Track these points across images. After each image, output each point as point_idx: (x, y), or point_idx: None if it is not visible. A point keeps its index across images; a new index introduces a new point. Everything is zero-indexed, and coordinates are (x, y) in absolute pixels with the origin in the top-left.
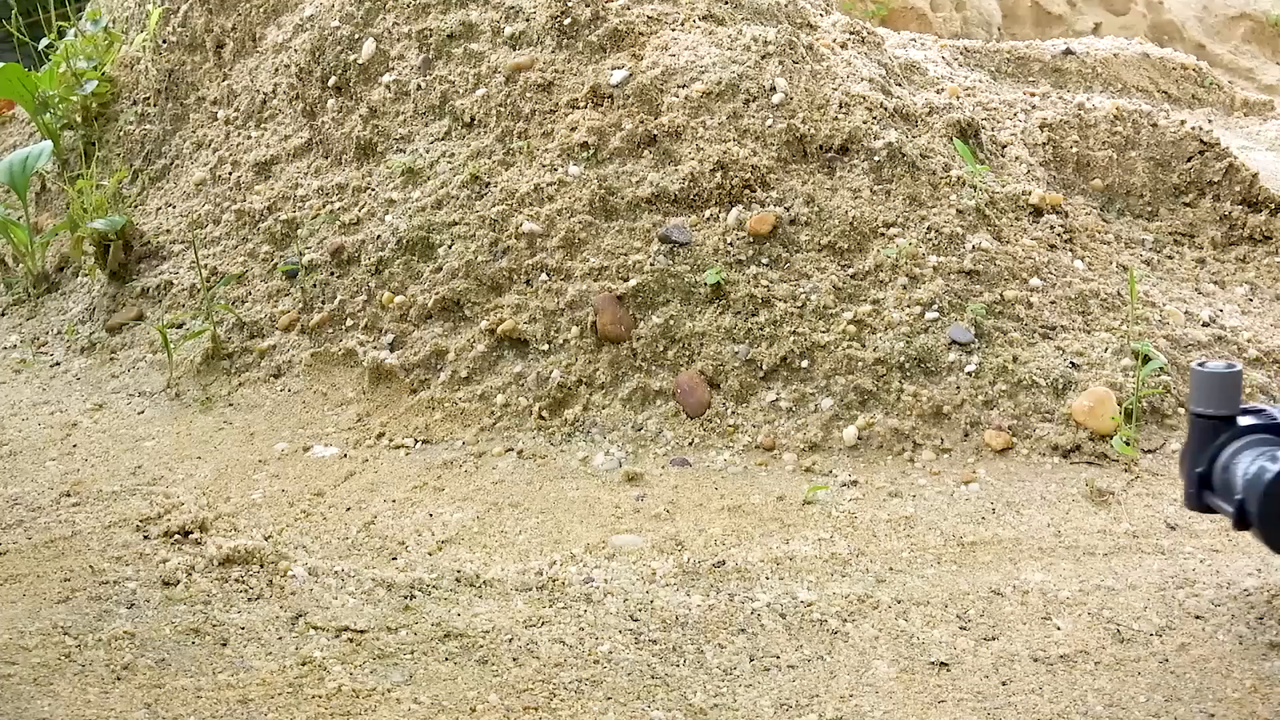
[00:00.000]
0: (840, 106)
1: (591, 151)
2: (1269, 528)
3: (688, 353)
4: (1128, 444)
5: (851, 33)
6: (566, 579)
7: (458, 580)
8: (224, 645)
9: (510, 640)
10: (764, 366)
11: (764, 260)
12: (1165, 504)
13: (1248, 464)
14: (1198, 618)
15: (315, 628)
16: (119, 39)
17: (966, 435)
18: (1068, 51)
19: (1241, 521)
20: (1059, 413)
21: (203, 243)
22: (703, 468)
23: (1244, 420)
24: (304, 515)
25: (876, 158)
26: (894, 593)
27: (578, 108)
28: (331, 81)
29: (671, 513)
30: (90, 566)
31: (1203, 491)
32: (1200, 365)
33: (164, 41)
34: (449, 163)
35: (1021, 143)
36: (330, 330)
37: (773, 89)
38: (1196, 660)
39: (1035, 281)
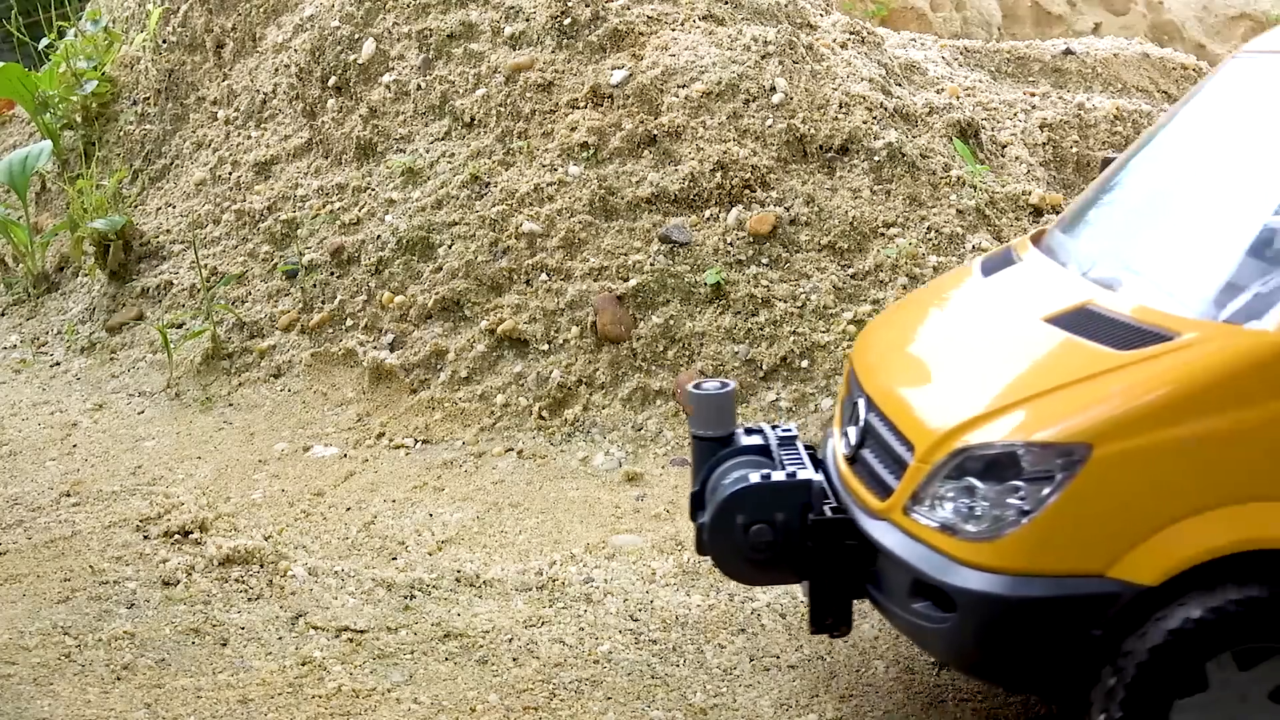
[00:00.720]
0: (840, 106)
1: (591, 151)
2: (718, 547)
3: (688, 353)
4: None
5: (851, 33)
6: (566, 579)
7: (458, 580)
8: (224, 645)
9: (510, 640)
10: (764, 366)
11: (764, 260)
12: None
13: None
14: None
15: (315, 628)
16: (119, 39)
17: None
18: (1068, 51)
19: (700, 543)
20: None
21: (203, 243)
22: None
23: (746, 440)
24: (304, 515)
25: (876, 158)
26: None
27: (578, 108)
28: (331, 81)
29: (671, 513)
30: (90, 566)
31: (697, 512)
32: (695, 386)
33: (164, 41)
34: (449, 163)
35: (1021, 143)
36: (330, 330)
37: (773, 89)
38: None
39: None
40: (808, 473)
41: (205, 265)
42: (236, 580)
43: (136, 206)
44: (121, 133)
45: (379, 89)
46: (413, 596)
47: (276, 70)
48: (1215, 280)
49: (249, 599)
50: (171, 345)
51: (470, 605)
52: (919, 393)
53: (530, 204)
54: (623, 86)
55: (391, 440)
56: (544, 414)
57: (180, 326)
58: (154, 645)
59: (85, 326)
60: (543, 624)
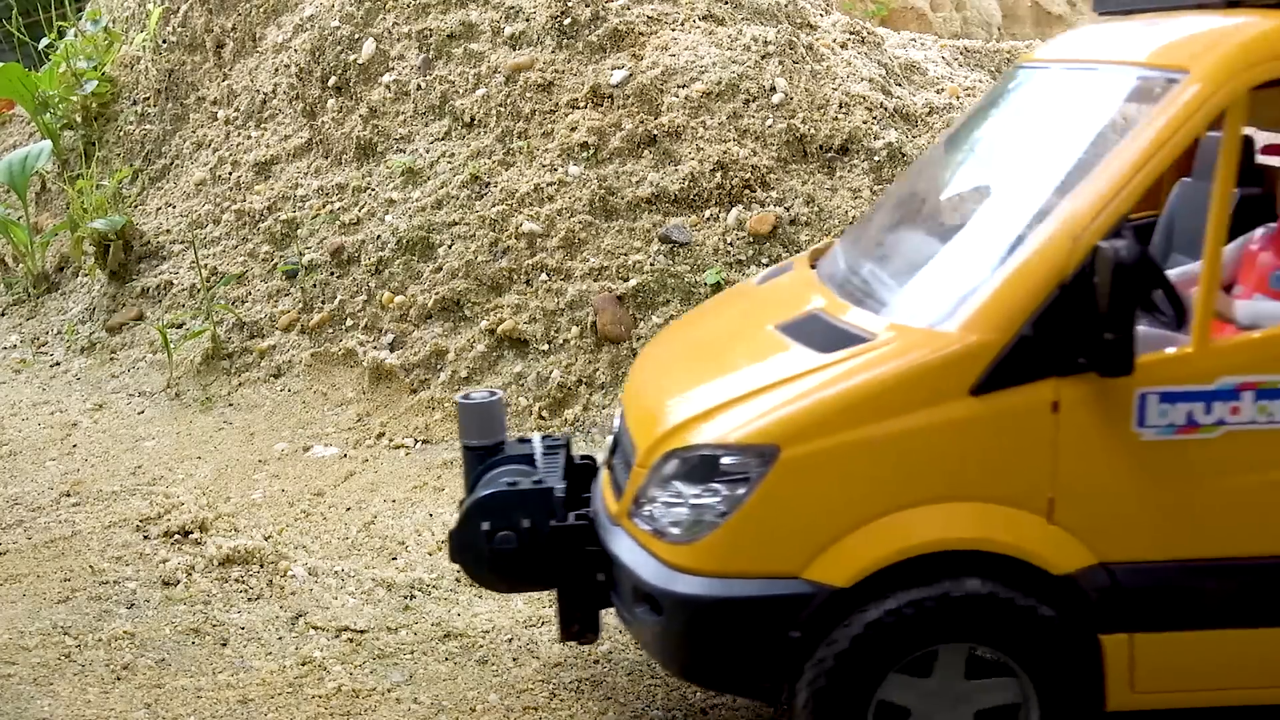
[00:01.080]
0: (840, 106)
1: (591, 151)
2: (464, 554)
3: None
4: None
5: (851, 33)
6: None
7: (458, 580)
8: (224, 645)
9: (510, 640)
10: None
11: (764, 260)
12: None
13: None
14: None
15: (315, 628)
16: (119, 39)
17: None
18: None
19: (450, 551)
20: None
21: (203, 243)
22: None
23: (515, 450)
24: (304, 515)
25: (876, 158)
26: None
27: (578, 108)
28: (331, 81)
29: None
30: (90, 566)
31: None
32: (464, 397)
33: (164, 41)
34: (449, 163)
35: None
36: (330, 330)
37: (773, 89)
38: None
39: None
40: (555, 480)
41: (205, 265)
42: (236, 580)
43: (136, 206)
44: (121, 133)
45: (379, 89)
46: (413, 596)
47: (276, 70)
48: (923, 286)
49: (249, 599)
50: (171, 345)
51: (470, 605)
52: (652, 399)
53: (530, 204)
54: (623, 86)
55: (391, 440)
56: (544, 414)
57: (180, 326)
58: (154, 645)
59: (85, 326)
60: (543, 624)
